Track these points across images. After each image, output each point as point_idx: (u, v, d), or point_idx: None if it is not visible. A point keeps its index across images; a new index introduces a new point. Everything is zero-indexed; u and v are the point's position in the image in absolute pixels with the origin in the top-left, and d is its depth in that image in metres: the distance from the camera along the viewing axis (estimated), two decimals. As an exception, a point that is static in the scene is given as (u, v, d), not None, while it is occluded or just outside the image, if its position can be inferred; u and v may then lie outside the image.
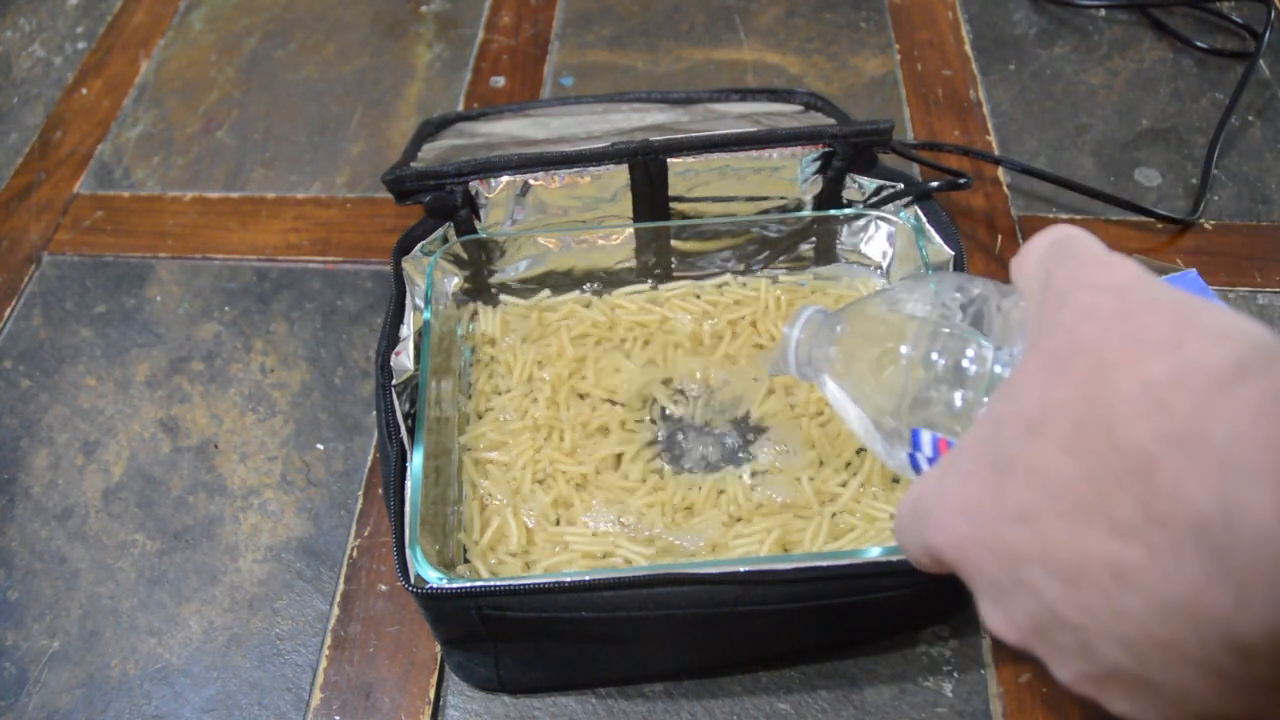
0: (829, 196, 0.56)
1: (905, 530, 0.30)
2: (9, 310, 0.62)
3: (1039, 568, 0.24)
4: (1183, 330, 0.23)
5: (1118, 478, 0.22)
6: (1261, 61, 0.70)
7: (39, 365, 0.60)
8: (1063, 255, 0.28)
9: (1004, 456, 0.25)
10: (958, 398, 0.34)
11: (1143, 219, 0.62)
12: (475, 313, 0.56)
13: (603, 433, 0.51)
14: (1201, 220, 0.62)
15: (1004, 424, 0.25)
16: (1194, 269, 0.50)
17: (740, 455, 0.50)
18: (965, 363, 0.34)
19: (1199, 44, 0.73)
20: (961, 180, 0.53)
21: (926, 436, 0.35)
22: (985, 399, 0.33)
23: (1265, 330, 0.23)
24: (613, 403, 0.52)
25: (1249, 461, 0.20)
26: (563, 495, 0.48)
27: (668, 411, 0.52)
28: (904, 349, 0.36)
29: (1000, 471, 0.25)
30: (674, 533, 0.47)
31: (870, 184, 0.55)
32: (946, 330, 0.35)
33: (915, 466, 0.36)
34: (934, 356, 0.35)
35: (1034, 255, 0.29)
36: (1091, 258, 0.27)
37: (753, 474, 0.49)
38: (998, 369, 0.33)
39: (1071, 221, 0.62)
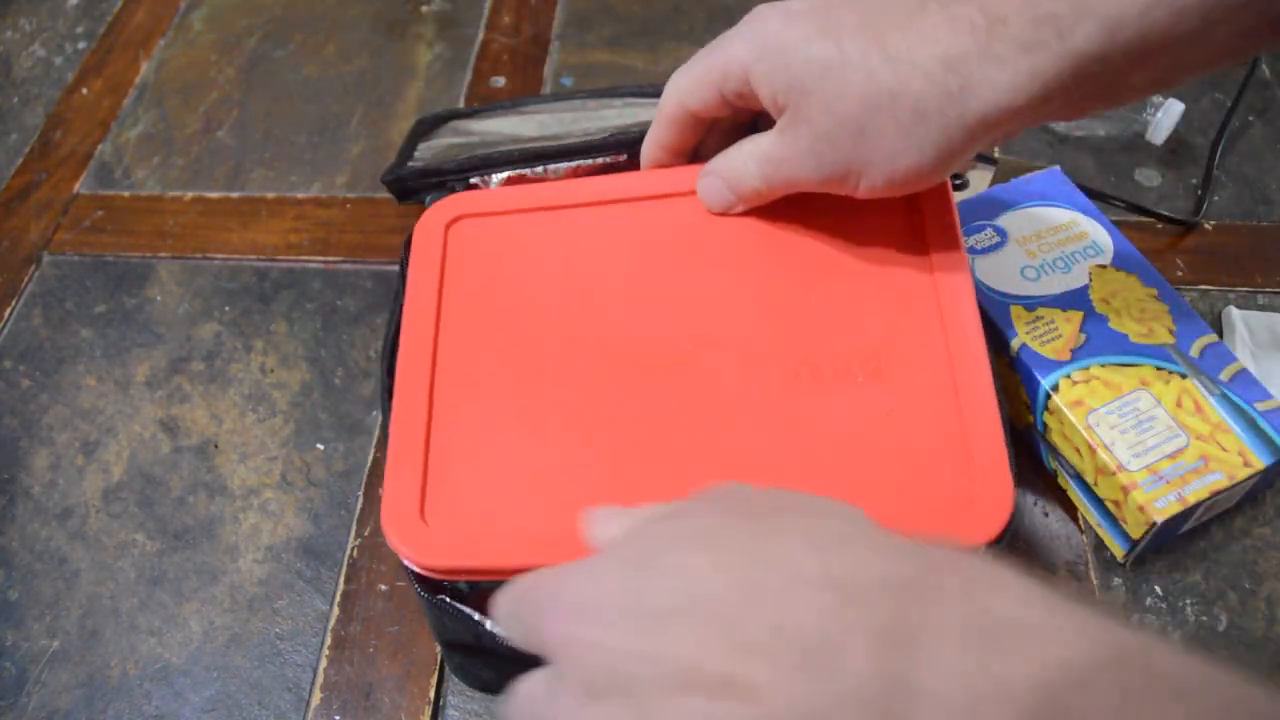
0: (829, 196, 0.56)
1: None
2: (9, 310, 0.62)
3: None
4: None
5: None
6: (1263, 63, 0.70)
7: (39, 365, 0.60)
8: None
9: None
10: None
11: (1143, 219, 0.62)
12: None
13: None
14: (1203, 220, 0.62)
15: None
16: (1057, 166, 0.52)
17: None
18: None
19: (1199, 44, 0.72)
20: (959, 181, 0.53)
21: None
22: None
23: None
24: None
25: None
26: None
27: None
28: None
29: None
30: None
31: (870, 184, 0.55)
32: None
33: None
34: None
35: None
36: None
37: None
38: None
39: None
